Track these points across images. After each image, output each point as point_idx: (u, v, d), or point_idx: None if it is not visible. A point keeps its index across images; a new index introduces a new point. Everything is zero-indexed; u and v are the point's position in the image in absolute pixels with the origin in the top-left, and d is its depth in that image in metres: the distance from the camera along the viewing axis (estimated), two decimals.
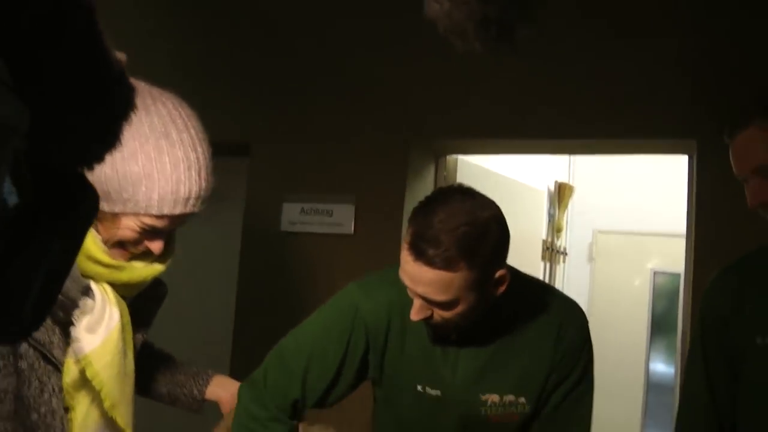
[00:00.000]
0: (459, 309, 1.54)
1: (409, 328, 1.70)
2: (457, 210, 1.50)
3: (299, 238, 3.17)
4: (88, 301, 1.41)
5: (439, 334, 1.66)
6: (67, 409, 1.42)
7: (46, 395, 1.38)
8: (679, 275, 6.40)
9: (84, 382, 1.42)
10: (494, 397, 1.66)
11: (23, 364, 1.36)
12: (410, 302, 1.60)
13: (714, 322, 1.78)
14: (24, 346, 1.36)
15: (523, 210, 4.14)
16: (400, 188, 3.08)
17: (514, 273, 1.67)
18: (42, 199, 0.55)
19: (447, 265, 1.47)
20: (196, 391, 1.82)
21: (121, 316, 1.47)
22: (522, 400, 1.67)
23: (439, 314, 1.56)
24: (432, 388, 1.70)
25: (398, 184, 3.08)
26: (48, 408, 1.38)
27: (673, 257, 6.10)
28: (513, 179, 4.02)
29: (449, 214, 1.49)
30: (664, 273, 6.84)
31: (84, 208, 0.60)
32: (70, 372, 1.41)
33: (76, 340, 1.40)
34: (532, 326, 1.69)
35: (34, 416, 1.37)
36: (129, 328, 1.51)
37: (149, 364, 1.77)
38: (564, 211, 6.30)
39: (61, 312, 1.40)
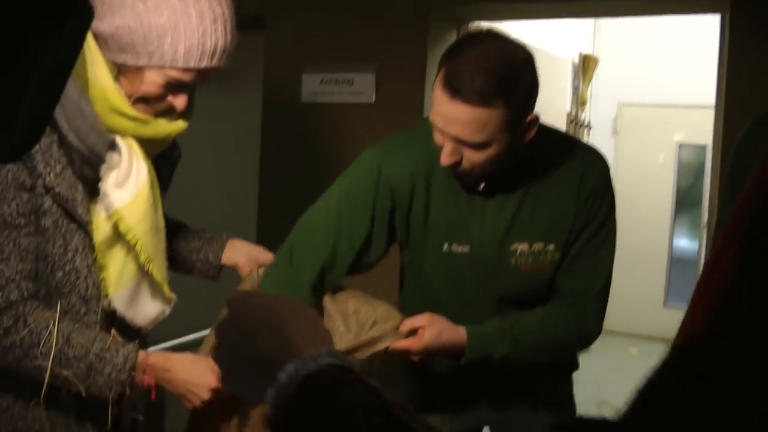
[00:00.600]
0: (490, 152, 1.52)
1: (435, 185, 1.69)
2: (492, 50, 1.49)
3: (320, 109, 3.13)
4: (114, 156, 1.40)
5: (466, 183, 1.64)
6: (90, 270, 1.42)
7: (70, 254, 1.38)
8: (705, 148, 6.36)
9: (116, 238, 1.42)
10: (523, 246, 1.68)
11: (47, 222, 1.36)
12: (434, 158, 1.58)
13: (744, 174, 1.73)
14: (48, 203, 1.35)
15: (547, 82, 4.03)
16: (422, 56, 3.01)
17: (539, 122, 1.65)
18: (30, 5, 0.52)
19: (484, 101, 1.45)
20: (212, 257, 1.79)
21: (149, 172, 1.46)
22: (551, 247, 1.68)
23: (470, 159, 1.53)
24: (459, 244, 1.69)
25: (419, 52, 3.01)
26: (72, 267, 1.38)
27: (700, 130, 6.02)
28: (537, 47, 3.92)
29: (484, 53, 1.47)
30: (689, 146, 6.76)
31: (76, 18, 0.56)
32: (101, 229, 1.41)
33: (105, 195, 1.39)
34: (556, 173, 1.69)
35: (59, 275, 1.38)
36: (157, 184, 1.50)
37: None
38: (588, 83, 6.19)
39: (88, 167, 1.39)
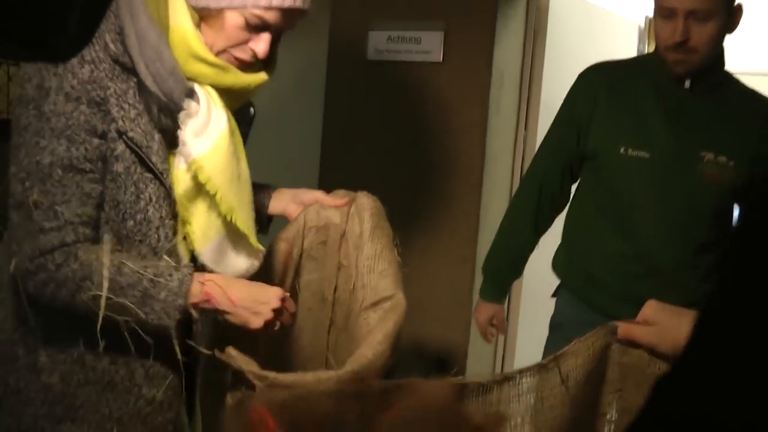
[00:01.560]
0: (712, 28, 1.82)
1: (622, 88, 1.98)
2: None
3: (386, 67, 3.08)
4: (192, 104, 1.38)
5: (681, 72, 1.89)
6: (163, 222, 1.40)
7: (142, 203, 1.37)
8: None
9: (198, 190, 1.41)
10: (710, 155, 1.88)
11: (119, 168, 1.35)
12: (628, 69, 2.04)
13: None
14: (120, 148, 1.34)
15: (615, 44, 3.95)
16: (491, 14, 2.92)
17: None
18: None
19: None
20: (259, 206, 1.72)
21: (229, 121, 1.43)
22: (731, 164, 1.87)
23: (696, 35, 1.83)
24: (636, 149, 1.91)
25: (489, 10, 2.93)
26: (143, 217, 1.37)
27: None
28: (606, 9, 3.81)
29: None
30: None
31: None
32: (181, 181, 1.40)
33: (183, 145, 1.38)
34: (744, 98, 1.93)
35: (130, 224, 1.37)
36: (238, 134, 1.47)
37: None
38: (653, 47, 6.01)
39: (166, 116, 1.37)
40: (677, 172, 1.90)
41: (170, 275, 1.33)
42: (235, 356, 1.44)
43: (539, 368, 1.30)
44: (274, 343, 1.70)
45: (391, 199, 1.76)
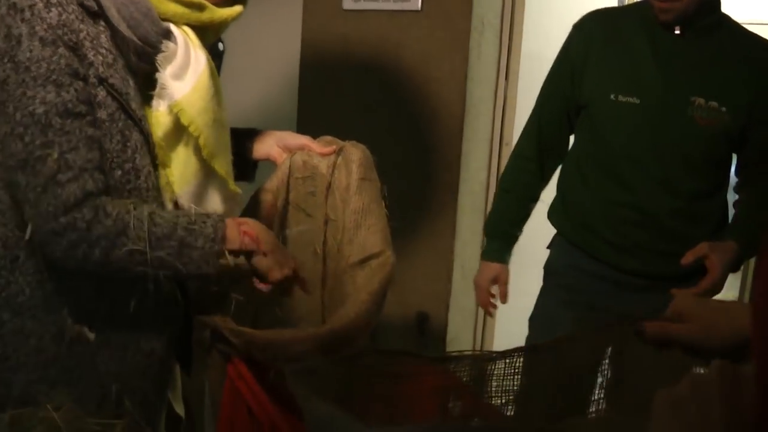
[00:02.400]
0: None
1: (615, 34, 1.98)
2: None
3: (363, 17, 3.01)
4: (170, 45, 1.33)
5: (668, 19, 1.87)
6: (150, 171, 1.36)
7: (129, 151, 1.32)
8: None
9: (178, 133, 1.37)
10: (701, 100, 1.86)
11: (102, 114, 1.29)
12: (620, 16, 2.02)
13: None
14: (102, 95, 1.28)
15: None
16: None
17: None
18: None
19: None
20: (242, 150, 1.69)
21: (208, 62, 1.39)
22: (723, 109, 1.86)
23: None
24: (627, 95, 1.91)
25: None
26: (132, 166, 1.32)
27: None
28: None
29: None
30: None
31: None
32: (162, 124, 1.35)
33: (164, 87, 1.33)
34: (740, 44, 1.90)
35: (118, 173, 1.31)
36: (216, 74, 1.43)
37: None
38: None
39: (143, 60, 1.32)
40: (667, 118, 1.90)
41: (204, 222, 1.30)
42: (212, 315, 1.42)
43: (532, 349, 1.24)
44: (262, 299, 1.67)
45: (371, 150, 1.71)
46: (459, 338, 3.00)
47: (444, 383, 1.01)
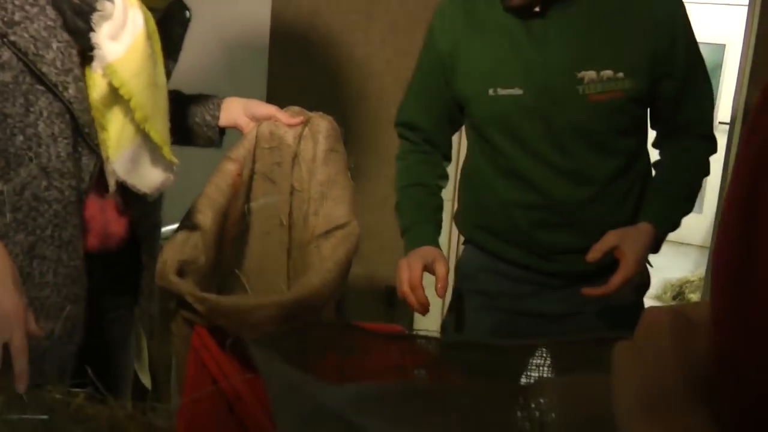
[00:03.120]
0: None
1: (478, 30, 1.73)
2: None
3: None
4: (107, 4, 1.30)
5: (522, 3, 1.65)
6: (56, 140, 1.33)
7: (32, 117, 1.29)
8: (723, 47, 6.20)
9: (114, 96, 1.34)
10: (591, 74, 1.63)
11: (5, 77, 1.26)
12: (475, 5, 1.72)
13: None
14: (6, 55, 1.25)
15: None
16: None
17: None
18: None
19: None
20: (209, 117, 1.67)
21: (146, 23, 1.36)
22: (620, 75, 1.63)
23: None
24: (506, 87, 1.68)
25: None
26: (34, 132, 1.29)
27: (717, 27, 5.86)
28: None
29: None
30: (705, 44, 6.57)
31: None
32: (97, 86, 1.32)
33: (98, 48, 1.30)
34: (626, 1, 1.67)
35: (19, 139, 1.29)
36: (157, 37, 1.40)
37: None
38: None
39: (79, 18, 1.29)
40: (558, 101, 1.65)
41: None
42: (176, 282, 1.41)
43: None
44: (233, 266, 1.67)
45: (339, 121, 1.71)
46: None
47: (402, 361, 1.01)
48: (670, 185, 1.73)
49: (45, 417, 1.01)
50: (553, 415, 0.64)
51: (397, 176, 1.93)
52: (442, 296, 1.68)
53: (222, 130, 1.71)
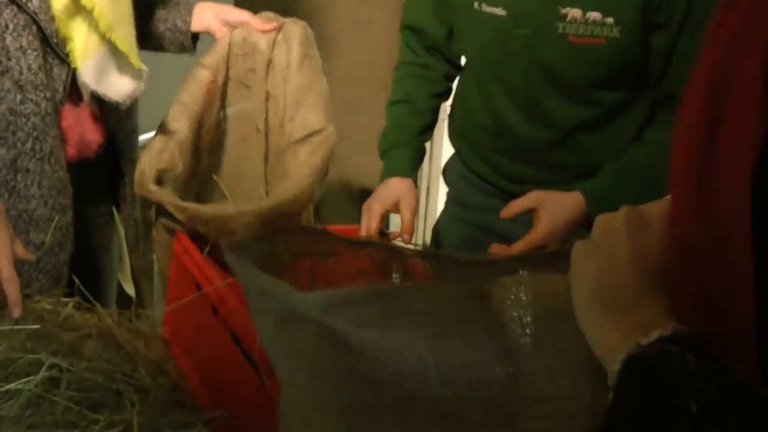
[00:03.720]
0: None
1: None
2: None
3: None
4: None
5: None
6: (25, 53, 1.31)
7: None
8: None
9: (76, 6, 1.32)
10: (575, 12, 1.45)
11: None
12: None
13: None
14: None
15: None
16: None
17: None
18: None
19: None
20: (180, 23, 1.65)
21: None
22: (610, 20, 1.44)
23: None
24: (492, 4, 1.53)
25: None
26: (2, 45, 1.28)
27: None
28: None
29: None
30: None
31: None
32: None
33: None
34: None
35: None
36: None
37: None
38: None
39: None
40: (534, 35, 1.50)
41: None
42: (155, 191, 1.44)
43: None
44: (212, 173, 1.69)
45: (311, 26, 1.70)
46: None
47: (371, 266, 1.04)
48: (628, 163, 1.54)
49: (36, 327, 1.05)
50: (520, 310, 0.68)
51: (394, 85, 1.79)
52: (409, 242, 1.58)
53: (195, 36, 1.69)
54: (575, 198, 1.48)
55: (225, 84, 1.68)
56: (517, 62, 1.54)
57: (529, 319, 0.66)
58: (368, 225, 1.58)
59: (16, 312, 1.06)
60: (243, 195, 1.74)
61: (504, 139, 1.64)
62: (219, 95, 1.67)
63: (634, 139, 1.59)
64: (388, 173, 1.67)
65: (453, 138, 1.84)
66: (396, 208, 1.61)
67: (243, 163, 1.76)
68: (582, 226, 1.49)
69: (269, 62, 1.68)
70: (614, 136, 1.59)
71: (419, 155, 1.73)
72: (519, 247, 1.43)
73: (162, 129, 1.53)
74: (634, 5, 1.43)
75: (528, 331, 0.66)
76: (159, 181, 1.47)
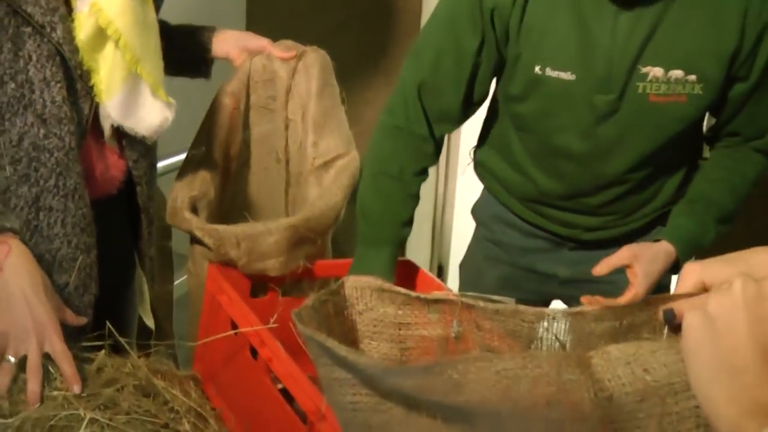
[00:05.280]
0: None
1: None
2: None
3: None
4: None
5: None
6: (48, 84, 1.27)
7: (21, 62, 1.24)
8: None
9: (102, 37, 1.29)
10: (657, 71, 1.41)
11: None
12: None
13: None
14: None
15: None
16: None
17: None
18: None
19: None
20: (200, 50, 1.66)
21: None
22: (692, 77, 1.41)
23: None
24: (559, 68, 1.44)
25: None
26: (25, 78, 1.24)
27: None
28: None
29: None
30: None
31: None
32: (84, 27, 1.27)
33: None
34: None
35: (11, 87, 1.24)
36: None
37: None
38: None
39: None
40: (612, 96, 1.44)
41: None
42: (188, 218, 1.45)
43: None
44: (235, 203, 1.70)
45: (325, 47, 1.71)
46: (414, 243, 3.02)
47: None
48: (701, 203, 1.52)
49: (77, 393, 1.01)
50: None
51: (369, 152, 1.60)
52: None
53: (212, 60, 1.69)
54: (665, 248, 1.46)
55: (247, 110, 1.69)
56: (585, 125, 1.48)
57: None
58: None
59: (77, 389, 1.04)
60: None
61: (564, 199, 1.60)
62: (241, 121, 1.68)
63: (684, 179, 1.60)
64: (362, 269, 1.49)
65: (489, 183, 1.75)
66: None
67: (264, 193, 1.76)
68: (674, 272, 1.50)
69: (289, 89, 1.69)
70: (665, 181, 1.60)
71: (398, 254, 1.58)
72: (622, 302, 1.34)
73: (191, 157, 1.53)
74: (718, 62, 1.40)
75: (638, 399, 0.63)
76: (193, 209, 1.49)
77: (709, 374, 0.61)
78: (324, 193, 1.58)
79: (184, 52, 1.65)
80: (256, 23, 3.04)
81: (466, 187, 2.96)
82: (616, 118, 1.45)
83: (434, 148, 1.58)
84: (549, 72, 1.44)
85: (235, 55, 1.67)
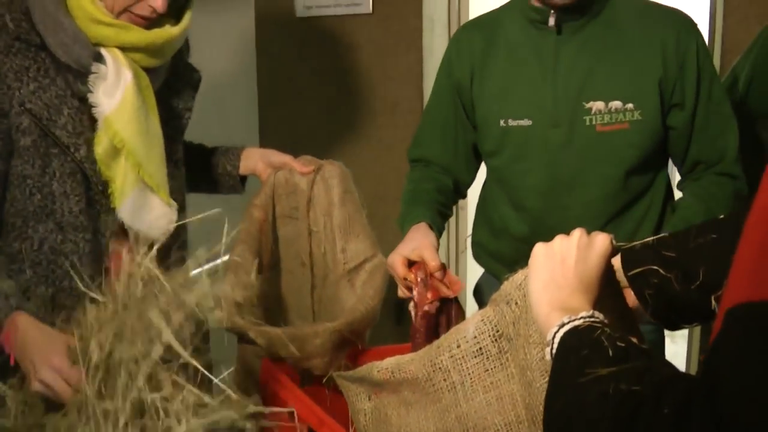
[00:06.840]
0: None
1: (495, 56, 1.72)
2: None
3: (317, 23, 3.09)
4: (101, 67, 1.44)
5: (543, 17, 1.63)
6: (68, 196, 1.44)
7: (47, 177, 1.43)
8: None
9: (115, 148, 1.46)
10: (599, 105, 1.62)
11: (26, 141, 1.41)
12: (500, 25, 1.73)
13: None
14: (26, 122, 1.40)
15: None
16: None
17: None
18: None
19: None
20: (230, 167, 1.82)
21: (138, 78, 1.49)
22: (630, 106, 1.61)
23: None
24: (516, 118, 1.67)
25: None
26: (49, 191, 1.43)
27: None
28: None
29: None
30: None
31: None
32: (101, 141, 1.45)
33: (96, 105, 1.44)
34: (638, 29, 1.63)
35: (36, 198, 1.43)
36: (150, 92, 1.53)
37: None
38: None
39: (80, 82, 1.43)
40: (565, 133, 1.64)
41: None
42: (241, 322, 1.58)
43: None
44: (266, 303, 1.80)
45: (333, 154, 1.84)
46: None
47: None
48: (684, 224, 1.55)
49: None
50: None
51: (402, 202, 1.83)
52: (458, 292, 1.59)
53: (243, 178, 1.86)
54: None
55: (274, 219, 1.82)
56: (552, 162, 1.67)
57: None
58: (398, 275, 1.58)
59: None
60: (291, 326, 1.84)
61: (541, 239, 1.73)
62: (270, 230, 1.81)
63: (658, 221, 1.74)
64: (404, 230, 1.71)
65: (486, 263, 1.91)
66: (417, 256, 1.58)
67: (290, 293, 1.88)
68: None
69: (309, 200, 1.82)
70: (651, 208, 1.73)
71: (438, 209, 1.77)
72: None
73: (233, 265, 1.65)
74: (650, 90, 1.61)
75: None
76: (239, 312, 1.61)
77: (541, 285, 0.93)
78: (362, 297, 1.71)
79: (216, 171, 1.83)
80: (268, 134, 3.21)
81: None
82: (572, 150, 1.65)
83: (450, 181, 1.86)
84: (512, 122, 1.69)
85: (260, 171, 1.82)
